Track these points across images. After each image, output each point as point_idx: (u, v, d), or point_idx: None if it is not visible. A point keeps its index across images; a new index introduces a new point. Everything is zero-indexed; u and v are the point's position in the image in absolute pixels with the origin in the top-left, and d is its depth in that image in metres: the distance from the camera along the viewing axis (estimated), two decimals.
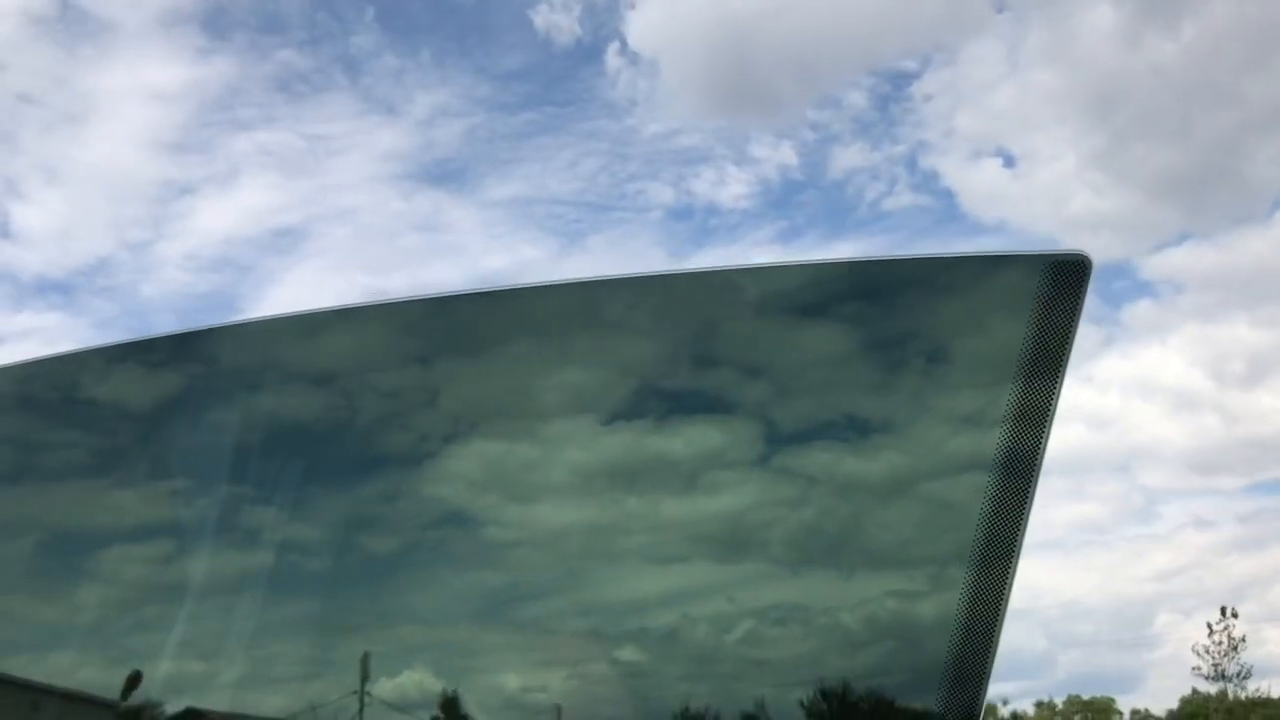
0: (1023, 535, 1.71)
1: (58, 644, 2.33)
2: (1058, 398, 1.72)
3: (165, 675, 2.20)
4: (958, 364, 1.94)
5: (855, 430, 1.99)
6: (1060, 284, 1.76)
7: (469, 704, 2.00)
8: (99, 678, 2.27)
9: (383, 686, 2.00)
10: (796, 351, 2.04)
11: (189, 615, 2.23)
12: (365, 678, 1.99)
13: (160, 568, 2.31)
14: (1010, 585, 1.71)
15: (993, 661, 1.73)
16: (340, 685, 2.03)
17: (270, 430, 2.28)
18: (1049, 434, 1.72)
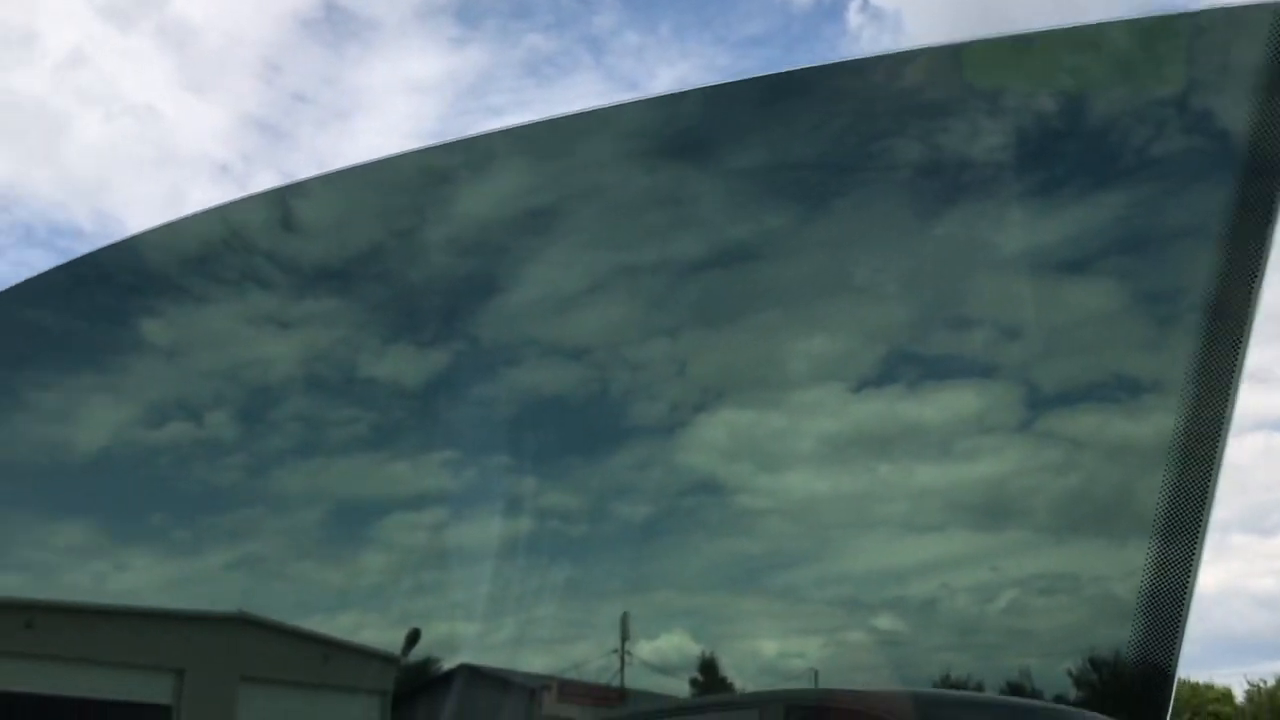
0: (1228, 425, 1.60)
1: (345, 605, 2.51)
2: None
3: (441, 634, 2.33)
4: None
5: (1125, 390, 1.88)
6: None
7: (726, 668, 2.03)
8: (381, 636, 2.43)
9: (642, 648, 2.05)
10: (1059, 309, 1.94)
11: (461, 579, 2.36)
12: (625, 637, 2.04)
13: (434, 534, 2.44)
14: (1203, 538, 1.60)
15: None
16: (602, 647, 2.09)
17: (529, 403, 2.37)
18: None
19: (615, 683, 2.05)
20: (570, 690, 2.16)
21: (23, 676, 2.72)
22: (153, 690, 2.68)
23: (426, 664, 2.32)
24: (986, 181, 2.01)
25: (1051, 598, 1.91)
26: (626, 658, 2.02)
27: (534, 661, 2.27)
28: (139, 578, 2.73)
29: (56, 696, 2.71)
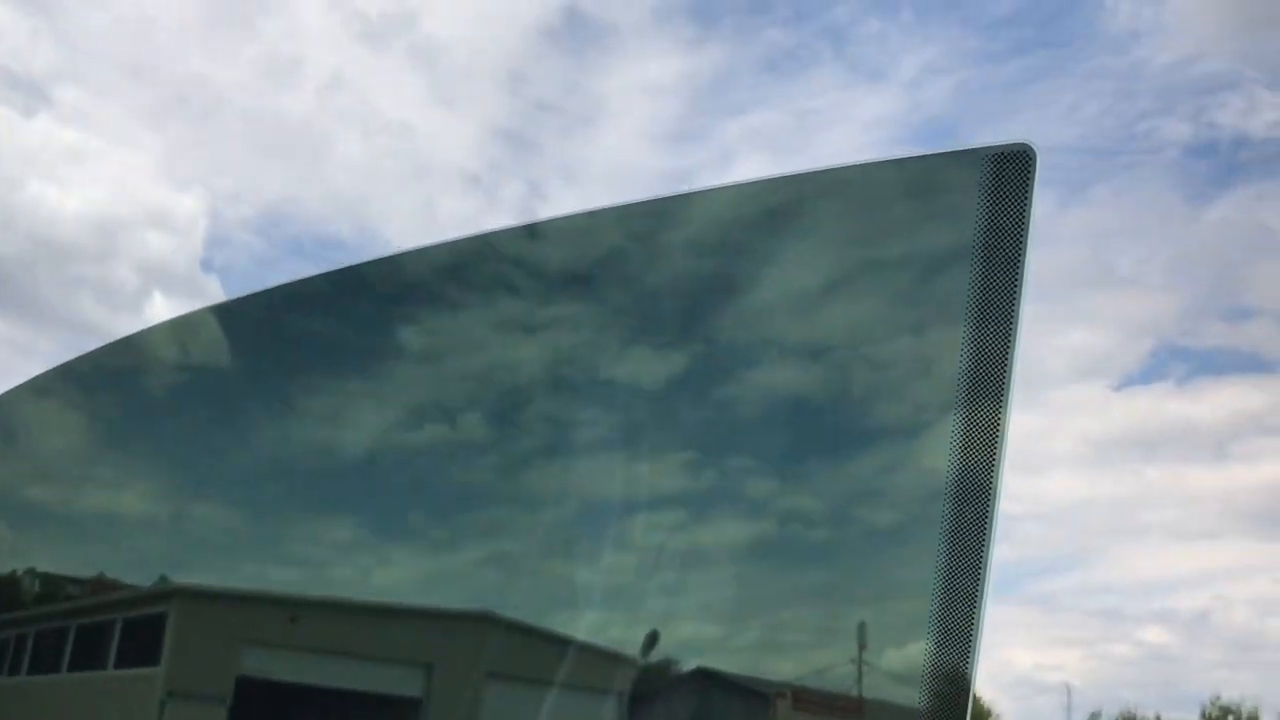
0: None
1: (589, 604, 2.56)
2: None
3: (681, 636, 2.34)
4: None
5: None
6: (1004, 179, 1.75)
7: (977, 678, 1.94)
8: (623, 635, 2.46)
9: (888, 657, 1.99)
10: None
11: (701, 582, 2.36)
12: (862, 646, 1.99)
13: (675, 535, 2.46)
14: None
15: None
16: (846, 654, 2.04)
17: (769, 405, 2.35)
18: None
19: (854, 692, 2.00)
20: (806, 698, 2.12)
21: (287, 666, 2.92)
22: (404, 684, 2.82)
23: (665, 665, 2.33)
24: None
25: None
26: (866, 667, 1.97)
27: (776, 667, 2.24)
28: (400, 573, 2.88)
29: (316, 686, 2.90)
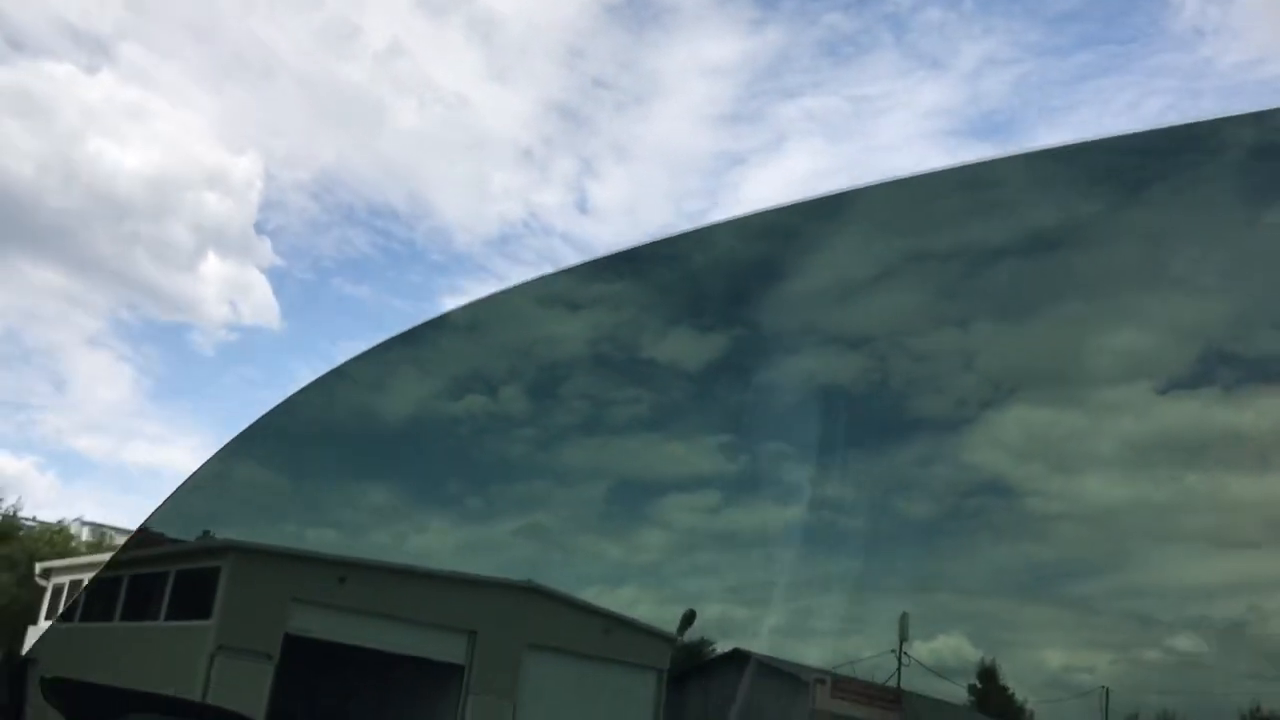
0: None
1: (622, 580, 2.58)
2: None
3: (714, 617, 2.36)
4: None
5: None
6: None
7: (1007, 677, 1.94)
8: (657, 613, 2.48)
9: (918, 649, 1.99)
10: None
11: (735, 564, 2.37)
12: (904, 638, 1.99)
13: (709, 516, 2.47)
14: None
15: None
16: (875, 643, 2.04)
17: (809, 391, 2.35)
18: None
19: (891, 683, 2.00)
20: (845, 687, 2.12)
21: (334, 626, 2.95)
22: (448, 650, 2.84)
23: (701, 645, 2.35)
24: None
25: None
26: (904, 659, 1.97)
27: (806, 653, 2.25)
28: (435, 540, 2.91)
29: (361, 647, 2.93)
